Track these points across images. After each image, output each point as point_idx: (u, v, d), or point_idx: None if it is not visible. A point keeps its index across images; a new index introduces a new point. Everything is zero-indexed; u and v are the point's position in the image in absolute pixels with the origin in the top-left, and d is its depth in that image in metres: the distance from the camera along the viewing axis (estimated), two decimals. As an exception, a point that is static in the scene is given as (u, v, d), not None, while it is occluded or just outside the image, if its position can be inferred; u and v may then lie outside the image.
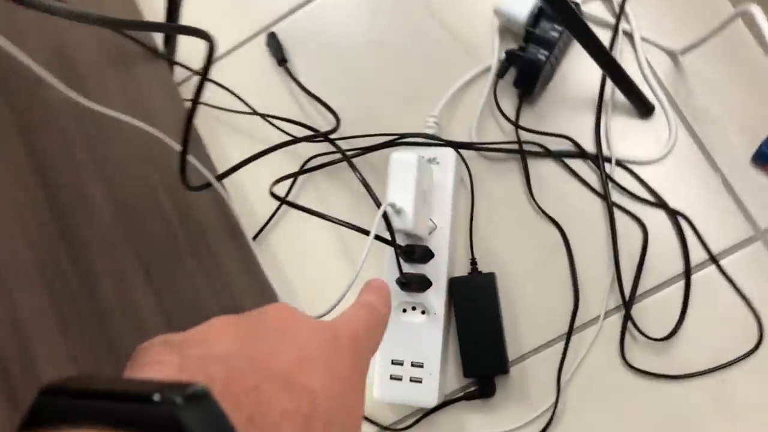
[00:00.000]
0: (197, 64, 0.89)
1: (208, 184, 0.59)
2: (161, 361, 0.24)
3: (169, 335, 0.26)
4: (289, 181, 0.82)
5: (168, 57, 0.77)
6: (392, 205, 0.64)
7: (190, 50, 0.89)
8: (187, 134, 0.49)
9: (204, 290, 0.60)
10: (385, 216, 0.64)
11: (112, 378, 0.22)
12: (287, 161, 0.82)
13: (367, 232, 0.61)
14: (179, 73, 0.89)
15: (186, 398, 0.20)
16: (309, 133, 0.79)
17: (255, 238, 0.83)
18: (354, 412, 0.29)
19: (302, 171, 0.75)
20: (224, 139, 0.86)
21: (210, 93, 0.89)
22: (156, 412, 0.19)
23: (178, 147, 0.49)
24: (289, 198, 0.82)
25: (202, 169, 0.61)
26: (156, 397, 0.20)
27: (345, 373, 0.29)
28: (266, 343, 0.27)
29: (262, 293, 0.69)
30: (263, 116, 0.79)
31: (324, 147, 0.82)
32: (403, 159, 0.67)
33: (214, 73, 0.89)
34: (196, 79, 0.89)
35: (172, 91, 0.76)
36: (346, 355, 0.30)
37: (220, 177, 0.61)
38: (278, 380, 0.25)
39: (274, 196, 0.66)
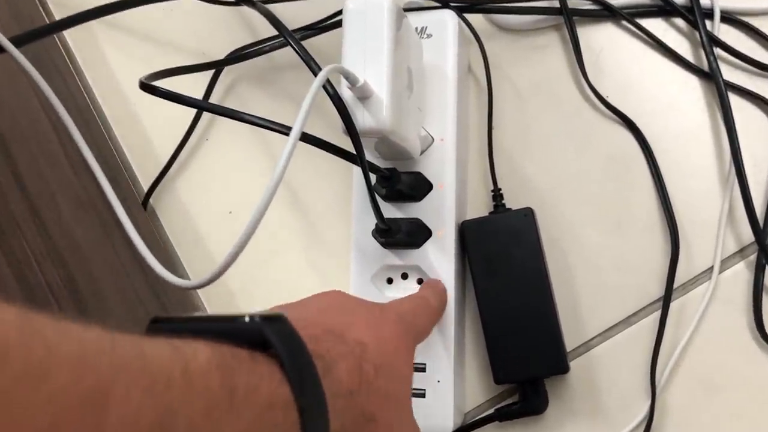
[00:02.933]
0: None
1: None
2: None
3: None
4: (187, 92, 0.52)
5: None
6: (348, 77, 0.35)
7: None
8: None
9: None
10: (336, 99, 0.34)
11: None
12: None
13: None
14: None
15: (265, 317, 0.24)
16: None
17: (153, 188, 0.53)
18: (402, 369, 0.33)
19: (210, 65, 0.45)
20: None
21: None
22: (245, 327, 0.24)
23: None
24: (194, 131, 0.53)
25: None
26: (246, 318, 0.24)
27: (390, 337, 0.32)
28: (322, 312, 0.32)
29: (134, 260, 0.40)
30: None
31: (247, 34, 0.53)
32: (366, 3, 0.37)
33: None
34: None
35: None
36: (391, 324, 0.33)
37: (23, 39, 0.32)
38: (333, 334, 0.29)
39: (145, 87, 0.36)
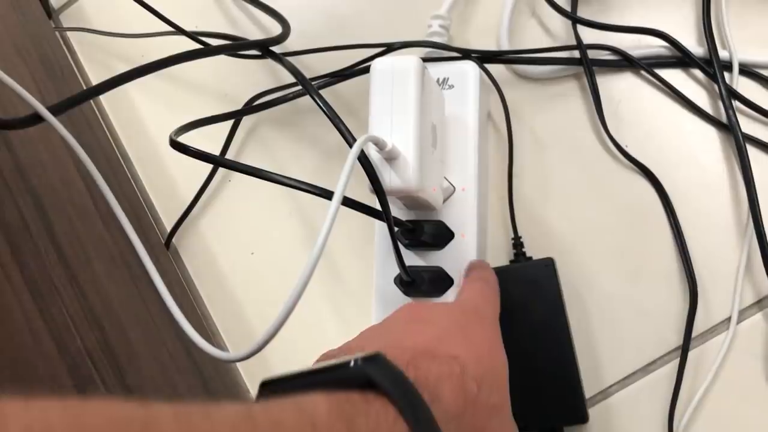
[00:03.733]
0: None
1: (35, 118, 0.31)
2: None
3: (329, 351, 0.32)
4: (215, 136, 0.53)
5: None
6: (378, 143, 0.36)
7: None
8: None
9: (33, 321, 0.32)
10: (365, 163, 0.35)
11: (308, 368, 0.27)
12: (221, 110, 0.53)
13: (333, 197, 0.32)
14: None
15: (365, 359, 0.26)
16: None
17: (174, 231, 0.54)
18: (498, 371, 0.34)
19: (231, 114, 0.46)
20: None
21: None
22: (350, 372, 0.25)
23: None
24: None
25: (22, 92, 0.32)
26: (351, 363, 0.26)
27: (479, 340, 0.34)
28: (406, 333, 0.32)
29: (160, 318, 0.41)
30: (184, 32, 0.50)
31: (271, 80, 0.54)
32: (393, 66, 0.38)
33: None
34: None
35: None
36: (476, 325, 0.35)
37: (60, 108, 0.32)
38: (426, 355, 0.29)
39: (175, 145, 0.37)
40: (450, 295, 0.45)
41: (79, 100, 0.33)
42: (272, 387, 0.26)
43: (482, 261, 0.44)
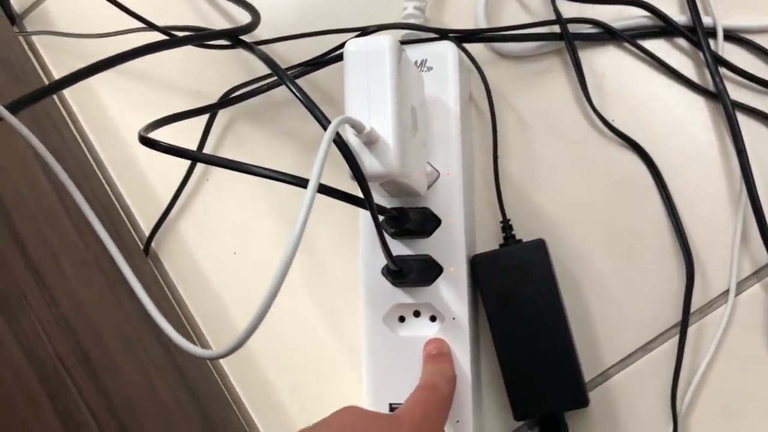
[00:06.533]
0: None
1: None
2: None
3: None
4: (190, 136, 0.52)
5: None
6: (355, 126, 0.34)
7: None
8: None
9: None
10: (342, 147, 0.34)
11: None
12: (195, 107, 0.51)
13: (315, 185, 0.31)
14: None
15: None
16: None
17: (154, 234, 0.53)
18: None
19: (205, 109, 0.44)
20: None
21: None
22: None
23: None
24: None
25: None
26: None
27: None
28: None
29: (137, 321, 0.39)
30: (154, 26, 0.48)
31: (244, 73, 0.52)
32: (368, 47, 0.37)
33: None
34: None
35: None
36: None
37: (18, 105, 0.31)
38: None
39: (145, 141, 0.35)
40: (440, 283, 0.44)
41: (38, 96, 0.32)
42: None
43: (441, 344, 0.43)
